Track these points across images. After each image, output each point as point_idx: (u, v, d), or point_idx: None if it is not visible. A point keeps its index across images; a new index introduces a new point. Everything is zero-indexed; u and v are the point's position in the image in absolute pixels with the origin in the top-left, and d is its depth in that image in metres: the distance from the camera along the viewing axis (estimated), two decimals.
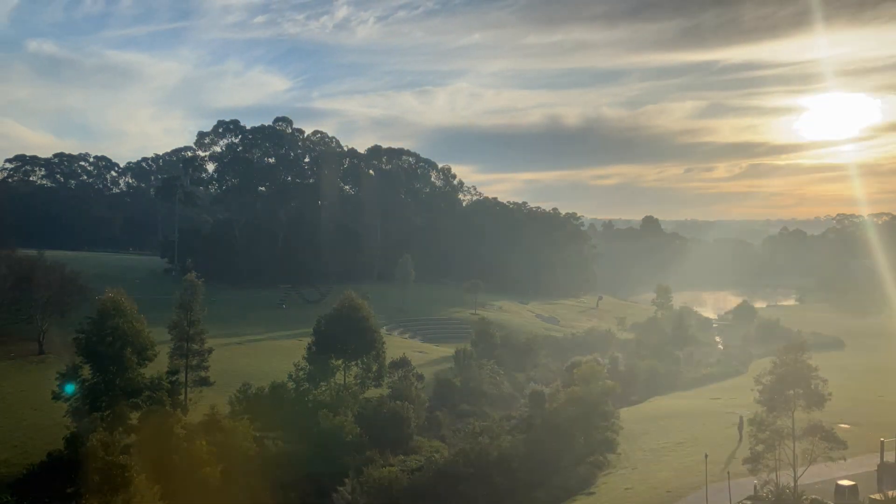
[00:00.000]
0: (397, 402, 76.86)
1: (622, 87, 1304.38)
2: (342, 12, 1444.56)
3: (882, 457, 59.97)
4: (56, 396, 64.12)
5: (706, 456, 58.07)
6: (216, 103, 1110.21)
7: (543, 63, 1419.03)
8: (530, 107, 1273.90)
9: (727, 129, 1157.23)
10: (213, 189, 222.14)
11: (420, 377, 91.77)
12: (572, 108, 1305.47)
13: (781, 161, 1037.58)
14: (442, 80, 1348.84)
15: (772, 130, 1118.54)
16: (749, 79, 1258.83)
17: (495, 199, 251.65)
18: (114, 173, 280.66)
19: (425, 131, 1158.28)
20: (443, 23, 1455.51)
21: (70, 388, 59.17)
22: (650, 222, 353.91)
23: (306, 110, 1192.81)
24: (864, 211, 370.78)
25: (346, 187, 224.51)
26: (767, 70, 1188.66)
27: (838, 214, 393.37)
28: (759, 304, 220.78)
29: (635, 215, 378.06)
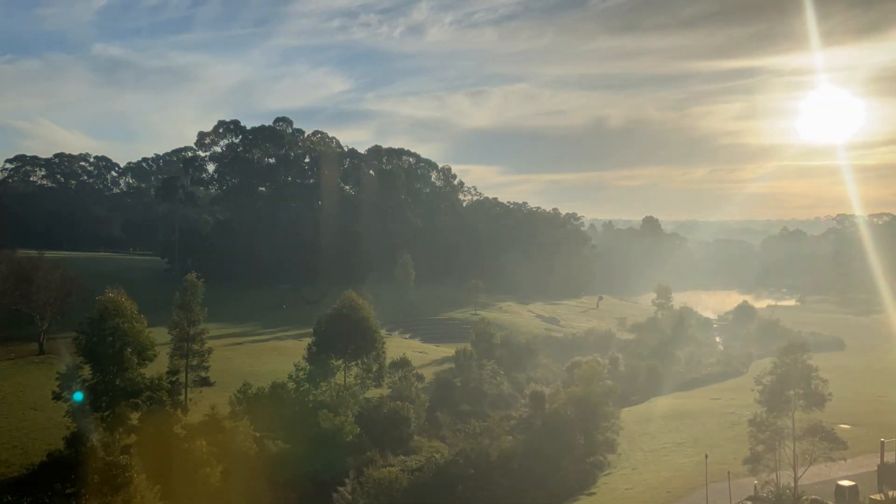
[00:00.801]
0: (397, 402, 76.83)
1: (669, 90, 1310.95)
2: (420, 15, 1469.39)
3: (882, 457, 59.94)
4: (56, 396, 64.10)
5: (706, 456, 58.09)
6: (266, 105, 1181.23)
7: (601, 67, 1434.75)
8: (577, 108, 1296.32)
9: (763, 132, 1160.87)
10: (213, 189, 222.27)
11: (420, 377, 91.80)
12: (618, 109, 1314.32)
13: (809, 163, 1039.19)
14: (501, 82, 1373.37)
15: (805, 132, 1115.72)
16: (791, 83, 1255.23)
17: (495, 199, 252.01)
18: (114, 173, 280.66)
19: (462, 133, 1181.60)
20: (518, 26, 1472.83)
21: (79, 396, 58.94)
22: (650, 222, 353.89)
23: (353, 112, 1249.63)
24: (865, 211, 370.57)
25: (347, 187, 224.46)
26: (808, 76, 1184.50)
27: (838, 214, 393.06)
28: (759, 305, 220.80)
29: (638, 215, 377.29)
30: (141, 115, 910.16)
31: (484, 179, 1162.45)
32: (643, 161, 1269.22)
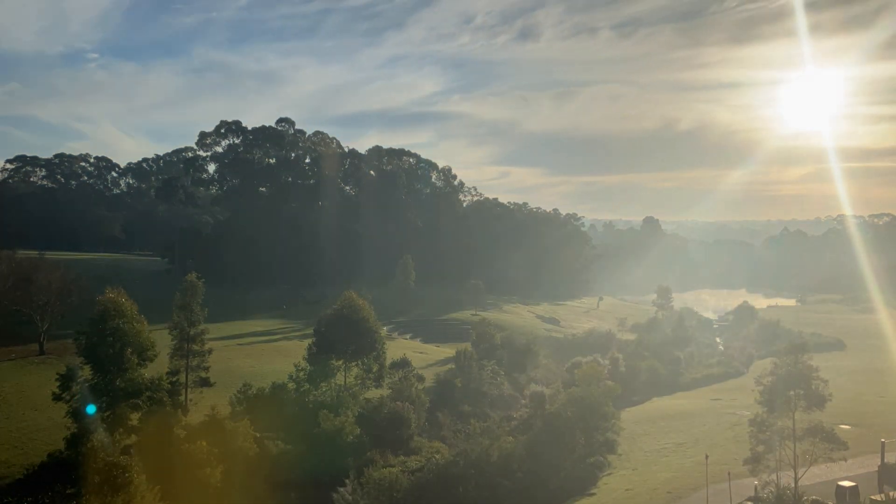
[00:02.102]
0: (398, 402, 76.80)
1: (735, 92, 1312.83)
2: (537, 19, 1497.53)
3: (883, 457, 59.97)
4: (56, 397, 64.03)
5: (707, 457, 58.09)
6: (348, 108, 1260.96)
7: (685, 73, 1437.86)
8: (648, 111, 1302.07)
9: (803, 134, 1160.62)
10: (213, 189, 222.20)
11: (420, 378, 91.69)
12: (688, 112, 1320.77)
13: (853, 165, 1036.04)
14: (589, 83, 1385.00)
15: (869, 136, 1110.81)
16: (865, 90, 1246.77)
17: (496, 199, 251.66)
18: (114, 174, 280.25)
19: (522, 135, 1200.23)
20: (623, 32, 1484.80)
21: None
22: (650, 223, 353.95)
23: (422, 114, 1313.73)
24: (865, 212, 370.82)
25: (347, 188, 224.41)
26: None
27: (839, 215, 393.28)
28: (760, 305, 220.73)
29: (637, 215, 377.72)
30: (225, 116, 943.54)
31: (522, 181, 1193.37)
32: (684, 164, 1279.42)
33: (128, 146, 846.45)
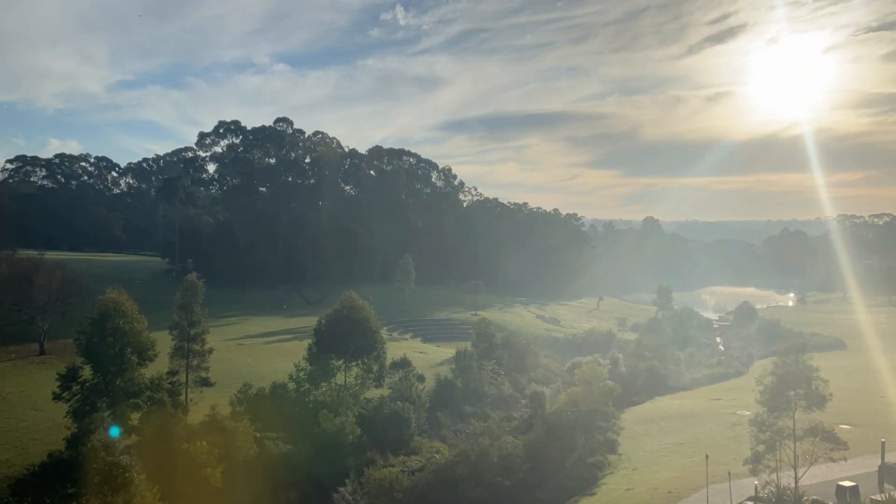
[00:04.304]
0: (398, 402, 76.80)
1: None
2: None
3: (883, 457, 59.95)
4: (56, 397, 64.04)
5: (707, 457, 58.08)
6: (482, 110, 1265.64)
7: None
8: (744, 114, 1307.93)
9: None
10: (213, 189, 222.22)
11: (421, 378, 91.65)
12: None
13: None
14: (711, 87, 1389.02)
15: None
16: None
17: (496, 199, 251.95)
18: (114, 174, 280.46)
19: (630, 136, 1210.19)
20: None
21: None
22: (650, 223, 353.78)
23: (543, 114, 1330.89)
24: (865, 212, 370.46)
25: (347, 188, 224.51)
26: None
27: (839, 215, 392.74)
28: (760, 305, 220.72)
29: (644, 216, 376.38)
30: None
31: (588, 182, 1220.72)
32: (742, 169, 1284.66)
33: None
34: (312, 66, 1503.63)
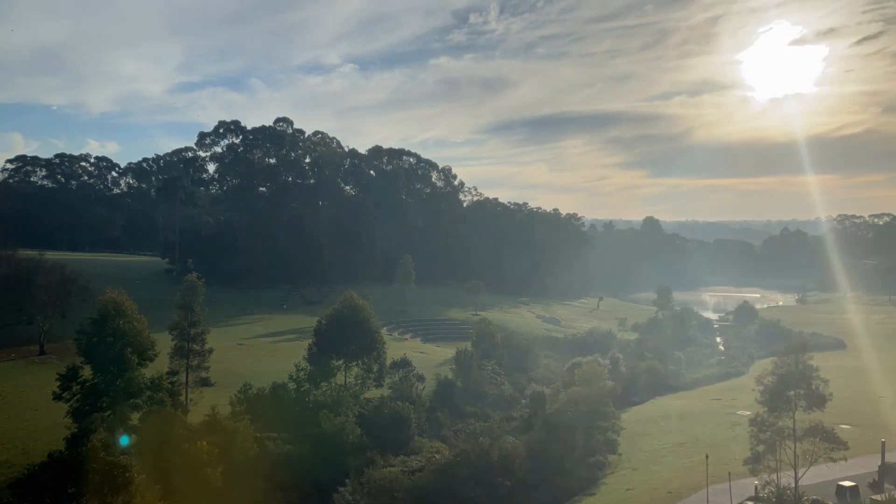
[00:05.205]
0: (398, 402, 76.83)
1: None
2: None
3: (883, 457, 59.96)
4: (57, 397, 64.03)
5: (707, 457, 58.09)
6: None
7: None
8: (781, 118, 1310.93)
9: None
10: (213, 189, 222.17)
11: (421, 378, 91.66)
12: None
13: None
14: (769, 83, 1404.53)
15: None
16: None
17: (496, 199, 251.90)
18: (114, 174, 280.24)
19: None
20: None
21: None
22: (651, 223, 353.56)
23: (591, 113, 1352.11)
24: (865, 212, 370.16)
25: (347, 188, 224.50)
26: None
27: (839, 215, 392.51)
28: (760, 305, 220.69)
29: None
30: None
31: (614, 182, 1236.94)
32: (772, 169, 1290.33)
33: None
34: (380, 67, 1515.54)
